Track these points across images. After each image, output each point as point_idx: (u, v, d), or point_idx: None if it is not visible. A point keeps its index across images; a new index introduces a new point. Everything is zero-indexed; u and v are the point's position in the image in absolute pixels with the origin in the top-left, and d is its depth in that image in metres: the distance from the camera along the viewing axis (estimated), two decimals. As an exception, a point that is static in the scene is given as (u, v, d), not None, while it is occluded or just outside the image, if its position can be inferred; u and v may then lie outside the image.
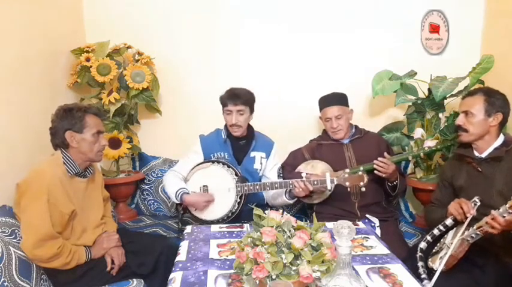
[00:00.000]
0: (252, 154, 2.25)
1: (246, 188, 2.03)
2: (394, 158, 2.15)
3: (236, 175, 2.07)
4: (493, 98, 1.77)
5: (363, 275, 1.34)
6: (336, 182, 1.94)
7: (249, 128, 2.28)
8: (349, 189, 2.01)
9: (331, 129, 2.28)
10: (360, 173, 1.94)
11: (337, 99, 2.30)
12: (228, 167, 2.09)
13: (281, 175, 2.32)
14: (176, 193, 2.07)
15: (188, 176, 2.16)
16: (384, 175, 2.08)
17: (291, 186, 2.01)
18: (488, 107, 1.76)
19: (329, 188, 1.96)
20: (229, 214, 2.06)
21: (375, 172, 2.08)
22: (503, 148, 1.75)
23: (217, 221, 2.06)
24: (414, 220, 2.59)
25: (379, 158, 2.07)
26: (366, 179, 1.93)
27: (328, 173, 1.97)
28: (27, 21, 2.06)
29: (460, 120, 1.83)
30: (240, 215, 2.08)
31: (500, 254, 1.62)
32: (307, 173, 2.02)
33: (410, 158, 2.19)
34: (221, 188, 2.07)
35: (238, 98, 2.13)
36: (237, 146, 2.24)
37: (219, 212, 2.07)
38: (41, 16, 2.20)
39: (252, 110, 2.21)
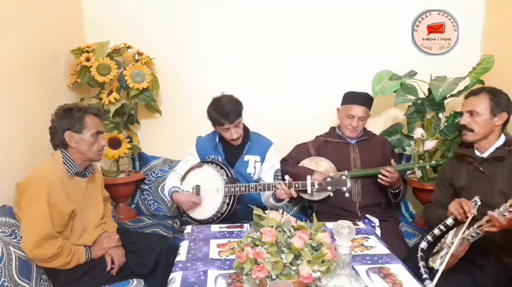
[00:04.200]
0: (246, 157, 2.19)
1: (232, 189, 2.01)
2: (399, 167, 2.14)
3: (227, 175, 2.06)
4: (498, 97, 1.75)
5: (363, 275, 1.34)
6: (316, 186, 1.89)
7: (244, 130, 2.18)
8: (347, 194, 1.89)
9: (350, 126, 2.24)
10: (344, 177, 1.85)
11: (368, 101, 2.28)
12: (221, 167, 2.08)
13: (279, 177, 2.20)
14: (169, 191, 2.13)
15: (184, 176, 2.17)
16: (387, 184, 2.08)
17: (273, 188, 1.97)
18: (493, 107, 1.74)
19: (309, 192, 1.90)
20: (218, 215, 2.05)
21: (379, 181, 2.07)
22: (505, 147, 1.74)
23: (207, 221, 2.05)
24: (414, 220, 2.59)
25: (386, 168, 2.05)
26: (349, 184, 1.84)
27: (309, 177, 1.91)
28: (27, 21, 2.06)
29: (465, 120, 1.79)
30: (235, 215, 2.06)
31: (500, 254, 1.62)
32: (289, 178, 1.94)
33: (416, 169, 2.16)
34: (211, 189, 2.07)
35: (233, 114, 2.01)
36: (229, 151, 2.19)
37: (207, 212, 2.07)
38: (41, 16, 2.19)
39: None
